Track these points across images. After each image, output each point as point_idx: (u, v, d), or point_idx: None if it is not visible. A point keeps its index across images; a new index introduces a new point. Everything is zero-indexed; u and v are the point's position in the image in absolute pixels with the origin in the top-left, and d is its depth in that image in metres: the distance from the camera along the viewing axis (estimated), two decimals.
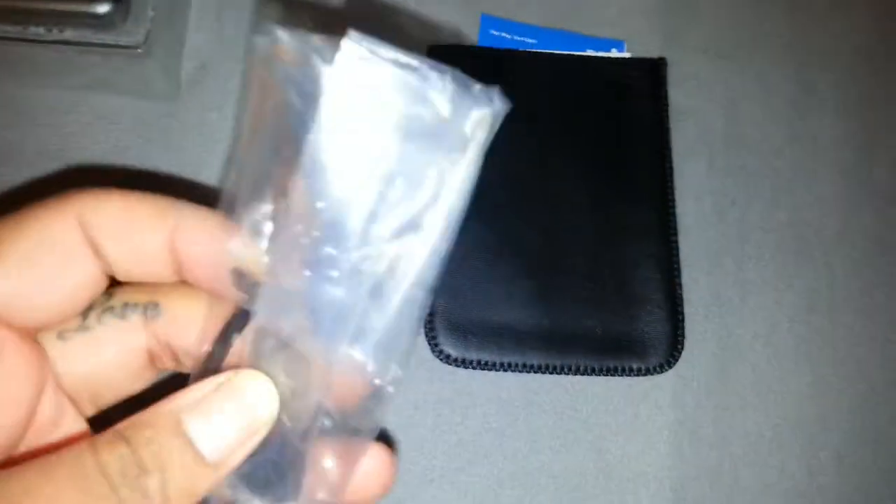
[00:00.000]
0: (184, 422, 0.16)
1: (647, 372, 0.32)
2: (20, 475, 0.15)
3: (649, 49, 0.38)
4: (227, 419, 0.16)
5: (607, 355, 0.32)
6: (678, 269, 0.34)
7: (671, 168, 0.35)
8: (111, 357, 0.20)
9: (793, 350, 0.35)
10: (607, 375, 0.32)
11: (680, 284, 0.33)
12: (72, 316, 0.19)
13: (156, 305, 0.20)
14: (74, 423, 0.19)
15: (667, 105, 0.36)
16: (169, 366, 0.21)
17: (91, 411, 0.20)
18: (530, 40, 0.37)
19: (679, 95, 0.37)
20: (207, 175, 0.34)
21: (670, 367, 0.33)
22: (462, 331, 0.31)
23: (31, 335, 0.18)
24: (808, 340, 0.35)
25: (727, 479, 0.33)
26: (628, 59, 0.37)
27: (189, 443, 0.16)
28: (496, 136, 0.32)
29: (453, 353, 0.31)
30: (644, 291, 0.33)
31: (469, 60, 0.35)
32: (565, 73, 0.35)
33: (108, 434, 0.16)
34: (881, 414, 0.35)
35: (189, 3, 0.36)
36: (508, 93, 0.34)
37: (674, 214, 0.34)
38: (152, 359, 0.20)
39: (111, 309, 0.20)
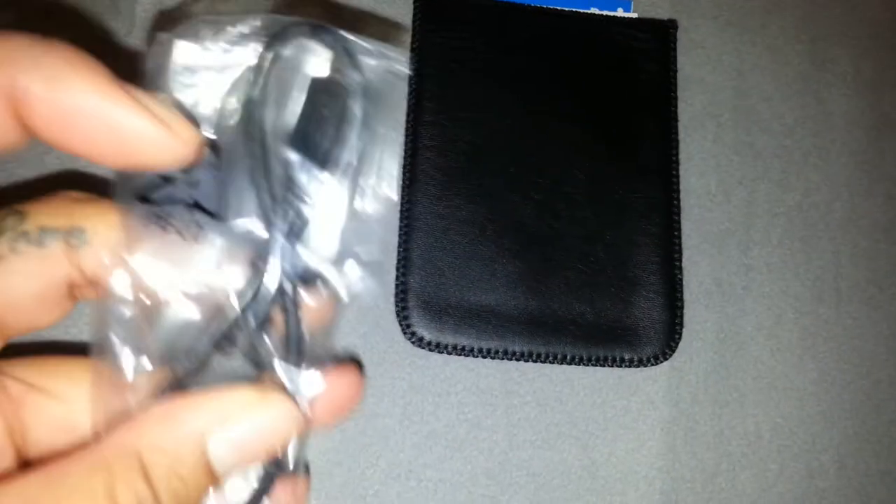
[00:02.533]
0: (209, 448, 0.15)
1: (640, 363, 0.29)
2: (27, 483, 0.14)
3: (657, 12, 0.35)
4: (248, 444, 0.15)
5: (597, 343, 0.29)
6: (679, 252, 0.30)
7: (677, 142, 0.32)
8: (24, 290, 0.17)
9: (798, 343, 0.32)
10: (596, 365, 0.29)
11: (680, 269, 0.30)
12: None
13: (81, 232, 0.17)
14: None
15: (675, 73, 0.33)
16: (90, 297, 0.18)
17: None
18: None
19: (686, 64, 0.34)
20: None
21: (665, 359, 0.30)
22: (438, 311, 0.28)
23: None
24: (813, 334, 0.32)
25: (723, 481, 0.30)
26: (636, 20, 0.33)
27: (208, 466, 0.15)
28: (485, 92, 0.28)
29: (427, 335, 0.28)
30: (641, 275, 0.30)
31: (465, 13, 0.31)
32: (567, 32, 0.32)
33: (125, 459, 0.14)
34: (885, 413, 0.32)
35: None
36: (505, 50, 0.30)
37: (678, 192, 0.31)
38: (72, 290, 0.17)
39: (25, 235, 0.16)
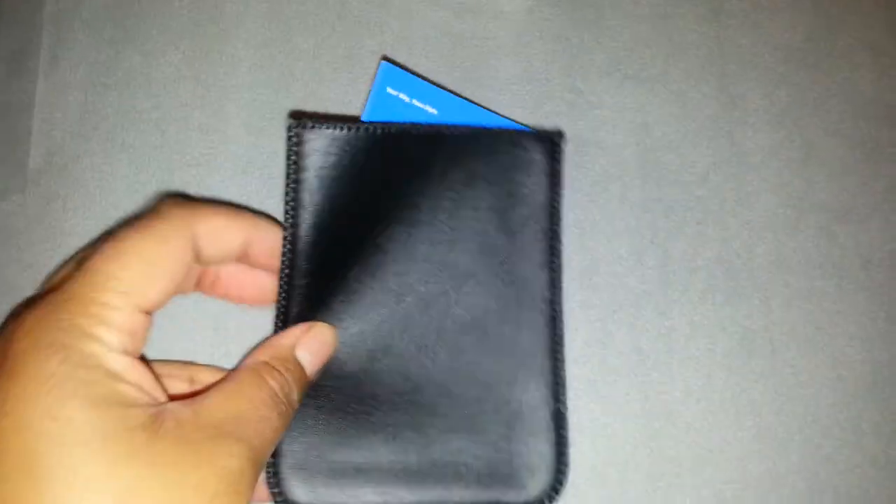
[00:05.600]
0: (298, 354, 0.25)
1: None
2: (235, 403, 0.22)
3: (550, 74, 0.34)
4: (316, 351, 0.26)
5: (483, 489, 0.26)
6: (563, 388, 0.28)
7: (561, 268, 0.29)
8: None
9: (732, 403, 0.31)
10: None
11: (565, 405, 0.28)
12: (168, 299, 0.24)
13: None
14: None
15: (561, 189, 0.30)
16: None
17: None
18: (431, 109, 0.31)
19: (584, 129, 0.34)
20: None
21: (552, 500, 0.27)
22: (311, 473, 0.26)
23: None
24: (747, 390, 0.31)
25: None
26: (522, 133, 0.30)
27: (302, 367, 0.25)
28: (359, 223, 0.28)
29: (301, 497, 0.26)
30: (524, 413, 0.27)
31: (340, 138, 0.29)
32: (452, 150, 0.29)
33: (266, 367, 0.24)
34: (837, 463, 0.31)
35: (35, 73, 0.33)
36: (380, 175, 0.29)
37: (561, 324, 0.28)
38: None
39: None
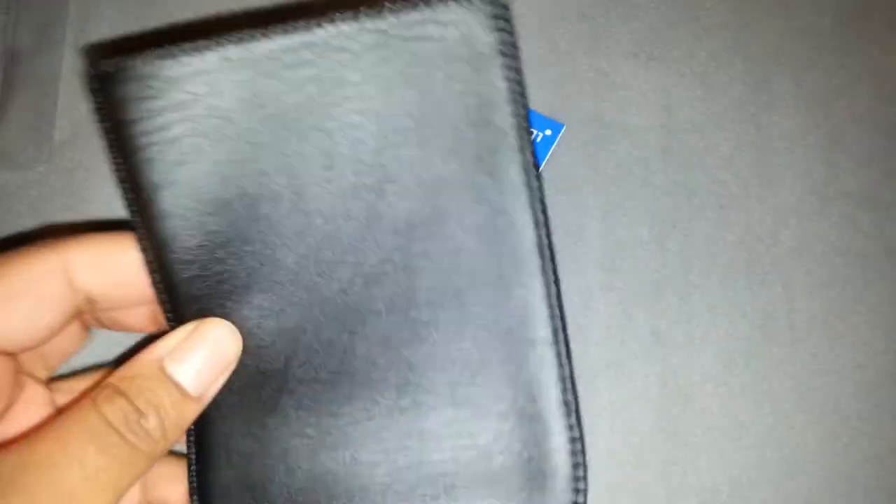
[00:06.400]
0: (167, 368, 0.19)
1: None
2: (36, 447, 0.17)
3: (573, 55, 0.34)
4: (202, 360, 0.20)
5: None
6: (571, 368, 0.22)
7: (541, 189, 0.21)
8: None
9: (751, 389, 0.31)
10: None
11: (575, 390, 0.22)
12: (44, 343, 0.21)
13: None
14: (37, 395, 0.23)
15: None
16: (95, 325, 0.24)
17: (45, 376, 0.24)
18: None
19: (607, 110, 0.33)
20: None
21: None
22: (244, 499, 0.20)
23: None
24: (767, 377, 0.31)
25: None
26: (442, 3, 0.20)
27: (175, 384, 0.19)
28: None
29: None
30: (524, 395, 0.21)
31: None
32: (343, 59, 0.20)
33: (104, 391, 0.19)
34: (856, 452, 0.31)
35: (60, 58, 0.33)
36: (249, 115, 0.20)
37: (556, 272, 0.22)
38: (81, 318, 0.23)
39: None
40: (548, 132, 0.33)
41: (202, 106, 0.19)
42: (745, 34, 0.35)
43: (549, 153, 0.32)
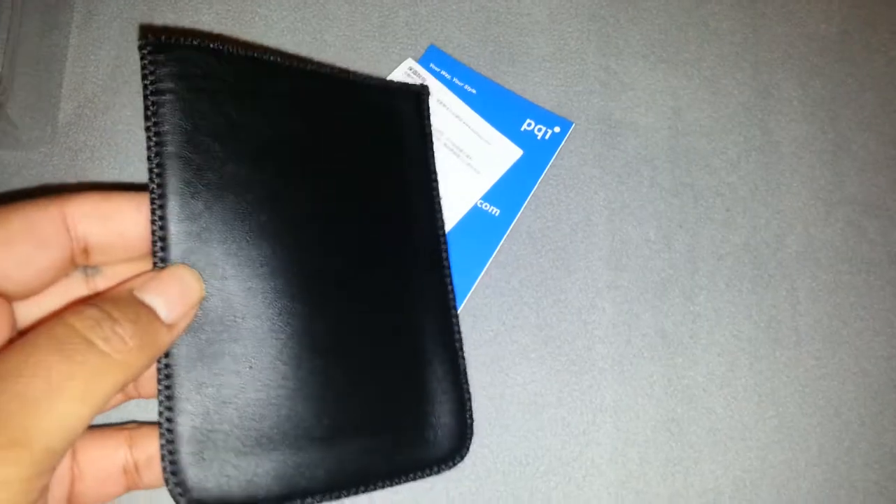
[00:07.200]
0: (141, 294, 0.20)
1: (439, 462, 0.26)
2: (1, 358, 0.17)
3: (585, 56, 0.34)
4: (173, 293, 0.20)
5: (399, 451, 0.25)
6: (460, 342, 0.28)
7: (440, 219, 0.29)
8: (55, 307, 0.22)
9: (755, 391, 0.31)
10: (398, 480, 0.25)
11: (463, 359, 0.28)
12: (40, 290, 0.21)
13: (95, 266, 0.23)
14: None
15: (430, 138, 0.30)
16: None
17: None
18: (470, 88, 0.33)
19: (615, 109, 0.33)
20: None
21: (462, 458, 0.26)
22: (212, 454, 0.22)
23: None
24: (771, 379, 0.31)
25: None
26: (392, 83, 0.30)
27: (148, 307, 0.20)
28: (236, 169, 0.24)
29: (197, 486, 0.21)
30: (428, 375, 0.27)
31: (204, 61, 0.24)
32: (322, 93, 0.27)
33: (74, 308, 0.18)
34: (856, 455, 0.30)
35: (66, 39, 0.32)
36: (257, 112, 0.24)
37: (448, 275, 0.28)
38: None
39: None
40: (557, 129, 0.32)
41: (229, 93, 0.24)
42: (754, 40, 0.35)
43: (558, 150, 0.32)
